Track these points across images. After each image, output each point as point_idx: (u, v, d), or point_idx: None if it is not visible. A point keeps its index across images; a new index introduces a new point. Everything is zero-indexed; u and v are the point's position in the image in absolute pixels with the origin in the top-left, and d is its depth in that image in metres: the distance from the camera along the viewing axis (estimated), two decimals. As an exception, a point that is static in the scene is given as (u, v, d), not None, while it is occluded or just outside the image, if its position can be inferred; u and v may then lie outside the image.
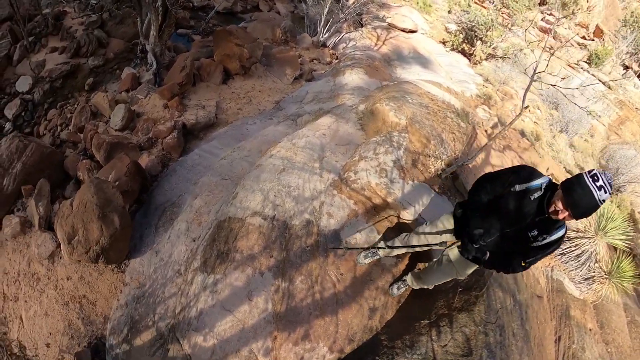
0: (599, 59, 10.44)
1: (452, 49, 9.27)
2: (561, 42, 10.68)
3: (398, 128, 3.99)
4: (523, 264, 2.05)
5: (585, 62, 10.72)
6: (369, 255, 3.04)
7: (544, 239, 1.99)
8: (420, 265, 3.17)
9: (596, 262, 4.44)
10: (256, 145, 4.46)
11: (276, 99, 5.95)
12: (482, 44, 9.07)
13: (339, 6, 8.81)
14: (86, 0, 7.52)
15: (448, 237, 2.36)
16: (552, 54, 4.52)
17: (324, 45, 8.73)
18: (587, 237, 4.47)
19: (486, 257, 2.10)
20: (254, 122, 5.24)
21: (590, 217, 4.81)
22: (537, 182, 2.01)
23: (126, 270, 3.88)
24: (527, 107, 4.20)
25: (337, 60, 7.95)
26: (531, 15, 11.31)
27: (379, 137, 3.89)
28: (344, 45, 8.66)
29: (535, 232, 1.99)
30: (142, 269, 3.85)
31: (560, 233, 1.99)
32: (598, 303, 4.27)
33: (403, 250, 2.81)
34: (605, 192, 1.74)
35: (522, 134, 6.58)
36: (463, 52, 9.28)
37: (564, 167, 6.59)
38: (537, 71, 4.15)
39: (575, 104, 5.27)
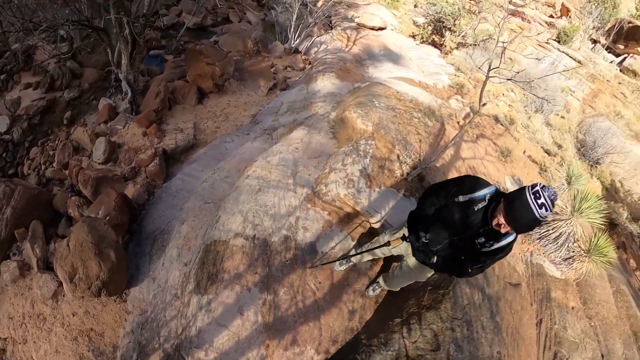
0: (568, 36, 10.72)
1: (422, 42, 9.43)
2: (529, 22, 10.92)
3: (365, 135, 4.22)
4: (470, 270, 2.12)
5: (555, 40, 10.99)
6: (344, 262, 3.32)
7: (492, 245, 2.02)
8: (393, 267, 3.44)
9: (575, 241, 4.57)
10: (234, 165, 4.68)
11: (252, 112, 6.13)
12: (451, 34, 9.24)
13: (308, 10, 8.92)
14: (55, 32, 7.59)
15: (405, 244, 2.52)
16: (516, 37, 4.71)
17: (296, 51, 8.87)
18: (563, 219, 4.60)
19: (433, 261, 2.25)
20: (232, 140, 5.43)
21: (566, 199, 5.08)
22: (481, 193, 2.04)
23: (128, 300, 4.09)
24: (484, 104, 4.44)
25: (309, 66, 8.09)
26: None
27: (346, 147, 4.12)
28: (316, 49, 8.79)
29: (482, 240, 2.04)
30: (143, 296, 4.08)
31: (509, 239, 2.00)
32: (581, 280, 4.43)
33: (368, 257, 3.08)
34: (547, 210, 1.73)
35: (496, 119, 6.71)
36: (433, 44, 9.44)
37: (542, 147, 6.75)
38: (492, 67, 4.38)
39: (534, 94, 5.48)
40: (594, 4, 11.92)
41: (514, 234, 2.00)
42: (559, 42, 10.93)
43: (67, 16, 6.13)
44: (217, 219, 3.84)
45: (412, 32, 10.00)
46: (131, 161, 5.50)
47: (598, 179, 7.40)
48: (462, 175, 2.33)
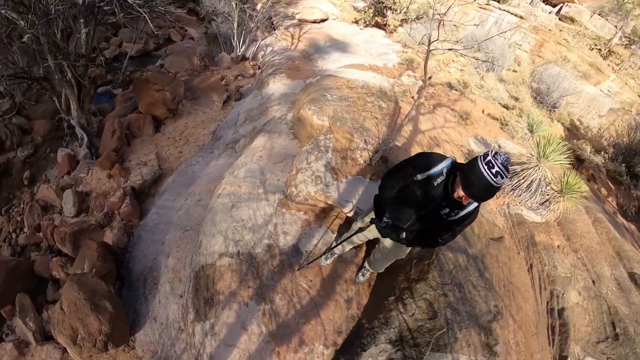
0: (506, -6, 11.00)
1: (366, 26, 9.45)
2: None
3: (323, 130, 4.27)
4: (440, 240, 2.20)
5: (495, 0, 11.23)
6: (329, 256, 3.40)
7: (457, 213, 2.08)
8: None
9: (547, 185, 4.76)
10: (205, 187, 4.67)
11: (211, 129, 6.08)
12: (392, 13, 9.26)
13: (248, 16, 8.77)
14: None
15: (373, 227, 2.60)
16: (452, 5, 4.79)
17: (244, 58, 8.77)
18: (531, 167, 4.76)
19: (403, 236, 2.34)
20: (197, 161, 5.40)
21: (530, 147, 5.25)
22: (437, 169, 2.07)
23: (136, 345, 4.08)
24: (429, 77, 4.51)
25: (259, 71, 8.04)
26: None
27: (308, 145, 4.16)
28: (263, 52, 8.72)
29: (447, 210, 2.10)
30: (149, 338, 4.08)
31: (474, 205, 2.05)
32: (560, 219, 4.64)
33: (348, 246, 3.16)
34: (502, 177, 1.75)
35: (450, 86, 6.82)
36: (377, 25, 9.47)
37: (499, 103, 6.93)
38: (432, 39, 4.46)
39: (476, 58, 5.58)
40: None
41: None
42: (498, 1, 11.29)
43: (0, 71, 5.85)
44: (199, 244, 3.85)
45: (355, 18, 10.00)
46: (103, 207, 5.41)
47: (558, 121, 7.72)
48: (414, 155, 2.34)
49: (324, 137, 4.16)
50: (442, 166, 2.08)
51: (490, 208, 4.45)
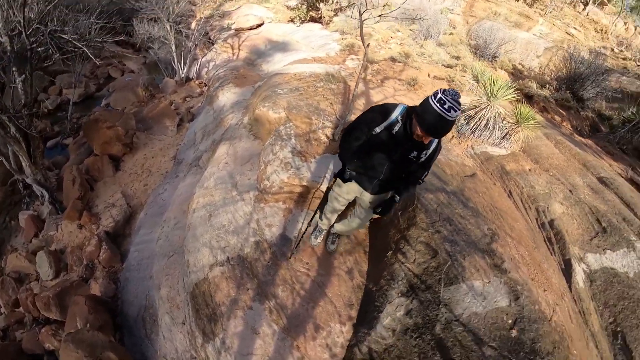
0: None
1: (302, 22, 9.56)
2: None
3: (281, 122, 4.27)
4: (421, 181, 2.38)
5: None
6: (317, 234, 3.38)
7: (425, 154, 2.21)
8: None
9: (502, 120, 5.08)
10: (178, 209, 4.54)
11: (171, 154, 5.94)
12: (325, 4, 9.43)
13: (184, 36, 8.69)
14: None
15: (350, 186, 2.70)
16: None
17: (188, 79, 8.67)
18: (484, 107, 5.05)
19: (381, 176, 2.43)
20: (165, 189, 5.25)
21: (479, 89, 5.51)
22: (392, 118, 2.16)
23: (152, 388, 3.93)
24: (367, 45, 4.63)
25: (206, 87, 7.96)
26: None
27: (270, 138, 4.15)
28: (206, 69, 8.67)
29: (415, 153, 2.20)
30: (163, 378, 3.92)
31: (435, 142, 2.19)
32: (525, 147, 4.93)
33: (332, 216, 3.15)
34: (455, 111, 1.84)
35: (393, 59, 7.10)
36: (313, 20, 9.60)
37: (442, 65, 7.25)
38: (363, 16, 4.59)
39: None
40: None
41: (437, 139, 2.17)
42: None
43: None
44: (186, 264, 3.73)
45: (290, 17, 10.10)
46: (82, 260, 5.16)
47: (501, 68, 8.16)
48: (366, 110, 2.40)
49: (284, 127, 4.15)
50: (396, 114, 2.16)
51: (457, 153, 4.60)
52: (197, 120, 6.52)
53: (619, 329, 3.13)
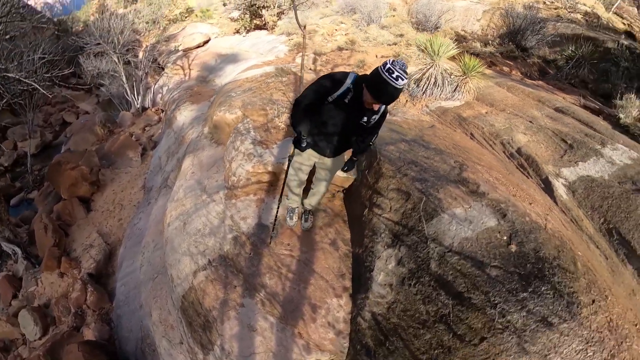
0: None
1: (248, 31, 9.71)
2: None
3: (239, 120, 4.29)
4: (371, 144, 2.55)
5: None
6: (291, 214, 3.35)
7: (375, 119, 2.37)
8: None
9: (450, 75, 5.29)
10: (155, 231, 4.44)
11: (140, 184, 5.85)
12: (267, 10, 9.63)
13: (133, 66, 8.68)
14: None
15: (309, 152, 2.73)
16: None
17: (144, 109, 8.63)
18: (430, 67, 5.26)
19: (335, 142, 2.56)
20: (139, 218, 5.15)
21: (423, 51, 5.69)
22: (344, 87, 2.27)
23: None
24: (304, 26, 4.72)
25: (164, 113, 7.93)
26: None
27: (230, 137, 4.15)
28: (160, 95, 8.64)
29: (365, 119, 2.36)
30: (171, 407, 3.73)
31: (382, 108, 2.33)
32: (478, 96, 5.14)
33: (298, 189, 3.13)
34: (402, 80, 1.99)
35: (340, 49, 7.39)
36: (258, 27, 9.77)
37: (387, 44, 7.56)
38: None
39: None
40: None
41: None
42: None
43: None
44: (170, 278, 3.62)
45: (235, 29, 10.25)
46: (69, 308, 4.94)
47: (444, 37, 8.43)
48: (316, 80, 2.47)
49: (242, 124, 4.17)
50: (347, 83, 2.27)
51: (412, 113, 4.70)
52: (160, 145, 6.46)
53: (611, 225, 3.20)
